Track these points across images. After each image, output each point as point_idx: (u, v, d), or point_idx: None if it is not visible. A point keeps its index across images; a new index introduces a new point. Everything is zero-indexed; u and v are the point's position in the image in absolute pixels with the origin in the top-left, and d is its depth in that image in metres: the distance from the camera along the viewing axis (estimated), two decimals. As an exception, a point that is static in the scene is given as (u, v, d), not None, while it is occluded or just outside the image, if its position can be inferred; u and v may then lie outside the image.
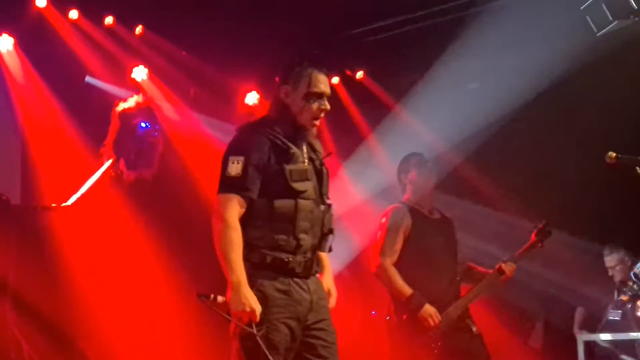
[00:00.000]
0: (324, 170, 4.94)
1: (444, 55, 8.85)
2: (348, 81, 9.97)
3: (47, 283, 7.72)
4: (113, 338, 7.78)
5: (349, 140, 9.68)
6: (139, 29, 8.54)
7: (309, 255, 4.76)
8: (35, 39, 8.15)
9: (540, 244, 7.06)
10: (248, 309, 4.46)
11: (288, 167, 4.70)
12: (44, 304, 7.69)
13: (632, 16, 7.23)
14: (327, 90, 4.87)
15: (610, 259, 8.76)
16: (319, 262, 4.88)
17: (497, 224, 8.85)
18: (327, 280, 5.04)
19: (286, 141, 4.76)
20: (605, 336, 8.21)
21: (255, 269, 4.62)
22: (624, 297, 8.46)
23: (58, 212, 7.14)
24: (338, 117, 9.72)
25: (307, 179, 4.78)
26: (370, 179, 9.23)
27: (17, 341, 7.26)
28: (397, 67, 9.57)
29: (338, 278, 8.78)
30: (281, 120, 4.81)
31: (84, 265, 7.81)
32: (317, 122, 4.87)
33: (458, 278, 7.05)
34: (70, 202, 6.86)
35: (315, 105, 4.81)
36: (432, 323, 6.75)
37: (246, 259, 4.61)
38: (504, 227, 8.59)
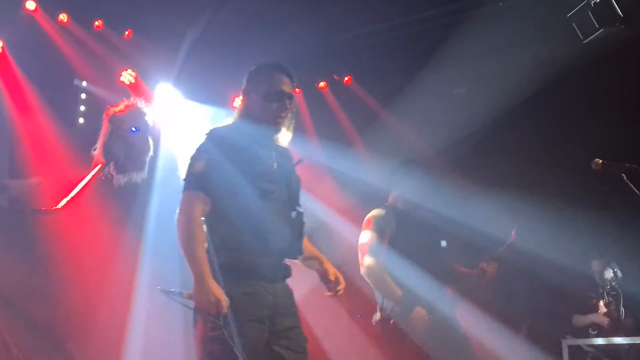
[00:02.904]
0: (294, 176, 4.97)
1: (431, 61, 8.89)
2: (335, 86, 10.01)
3: (37, 286, 7.71)
4: (102, 340, 7.78)
5: (335, 144, 9.70)
6: (127, 33, 8.56)
7: (277, 258, 4.78)
8: (25, 42, 8.14)
9: (520, 242, 7.12)
10: (213, 299, 4.43)
11: (256, 169, 4.74)
12: (33, 307, 7.68)
13: (617, 23, 7.30)
14: (287, 89, 4.89)
15: (596, 264, 8.83)
16: (288, 268, 4.87)
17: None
18: (331, 269, 5.06)
19: (253, 143, 4.80)
20: (589, 341, 8.28)
21: (222, 270, 4.61)
22: (601, 301, 8.57)
23: (48, 215, 7.14)
24: (325, 121, 9.79)
25: (275, 181, 4.81)
26: (356, 182, 9.27)
27: (5, 343, 7.25)
28: (384, 72, 9.61)
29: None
30: (247, 123, 4.85)
31: (74, 268, 7.81)
32: (281, 122, 4.89)
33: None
34: (60, 205, 6.86)
35: (275, 105, 4.84)
36: (422, 324, 6.79)
37: (213, 260, 4.62)
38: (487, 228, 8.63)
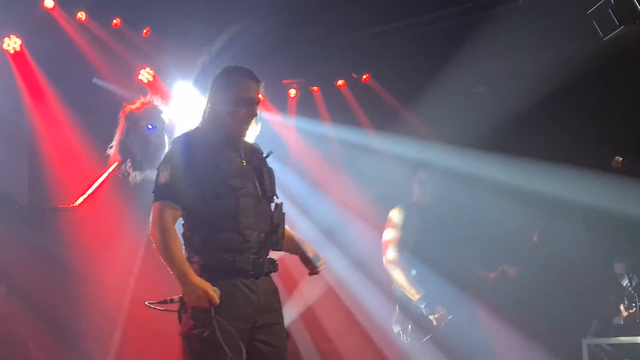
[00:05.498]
0: (265, 168, 5.01)
1: (451, 59, 8.85)
2: (354, 84, 9.99)
3: (55, 284, 7.74)
4: (120, 338, 7.80)
5: (354, 142, 9.68)
6: (145, 31, 8.57)
7: (256, 252, 4.78)
8: (43, 40, 8.17)
9: (542, 246, 7.10)
10: (201, 293, 4.51)
11: (223, 167, 4.79)
12: (51, 305, 7.71)
13: (638, 21, 7.25)
14: (255, 96, 4.96)
15: (617, 267, 8.77)
16: (272, 262, 4.90)
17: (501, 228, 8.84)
18: (310, 247, 5.14)
19: (219, 145, 4.86)
20: (609, 340, 8.23)
21: (204, 271, 4.66)
22: (621, 306, 8.52)
23: (65, 213, 7.18)
24: (343, 119, 9.77)
25: (244, 177, 4.86)
26: (375, 181, 9.26)
27: (23, 341, 7.28)
28: (403, 70, 9.57)
29: (346, 279, 8.87)
30: (213, 127, 4.92)
31: (91, 266, 7.84)
32: (247, 128, 4.97)
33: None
34: (77, 203, 6.89)
35: (243, 111, 4.90)
36: (442, 322, 6.83)
37: (193, 262, 4.68)
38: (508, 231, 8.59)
